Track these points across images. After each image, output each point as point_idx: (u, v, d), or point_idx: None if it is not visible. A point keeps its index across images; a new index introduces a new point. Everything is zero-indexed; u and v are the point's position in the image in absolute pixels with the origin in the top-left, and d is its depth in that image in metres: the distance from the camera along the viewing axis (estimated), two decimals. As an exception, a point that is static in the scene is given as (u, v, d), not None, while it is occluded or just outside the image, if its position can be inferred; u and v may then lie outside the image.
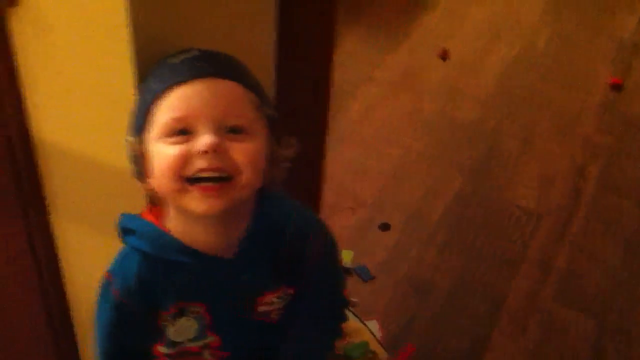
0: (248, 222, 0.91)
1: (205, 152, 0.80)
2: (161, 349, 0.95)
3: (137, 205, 1.01)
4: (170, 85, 0.82)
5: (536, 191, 2.23)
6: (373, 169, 2.27)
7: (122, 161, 0.99)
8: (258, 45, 1.17)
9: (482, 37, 2.98)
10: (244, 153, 0.82)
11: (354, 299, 1.77)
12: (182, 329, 0.94)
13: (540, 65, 2.83)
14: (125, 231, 0.91)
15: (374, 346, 1.61)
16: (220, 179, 0.82)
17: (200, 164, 0.81)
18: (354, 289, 1.85)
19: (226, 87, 0.83)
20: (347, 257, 1.95)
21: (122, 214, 0.93)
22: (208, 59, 0.86)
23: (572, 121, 2.55)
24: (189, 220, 0.87)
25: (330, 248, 1.02)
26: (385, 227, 2.06)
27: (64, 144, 1.05)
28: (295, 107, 1.33)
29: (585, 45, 2.96)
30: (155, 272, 0.89)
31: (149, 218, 0.91)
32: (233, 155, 0.82)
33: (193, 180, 0.81)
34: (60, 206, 1.14)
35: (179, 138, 0.81)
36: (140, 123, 0.85)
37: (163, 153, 0.82)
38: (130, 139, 0.86)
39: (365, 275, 1.91)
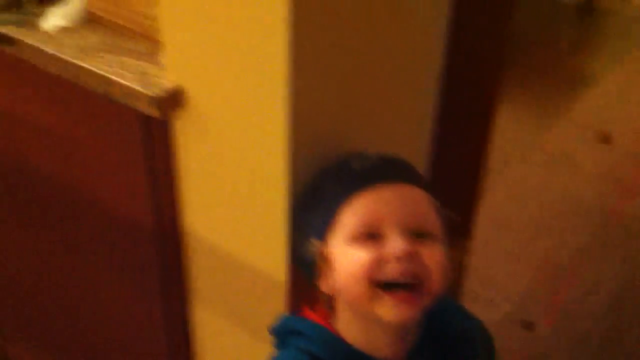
0: (418, 326, 0.89)
1: (400, 257, 0.79)
2: None
3: (276, 306, 1.00)
4: (358, 190, 0.83)
5: None
6: (520, 259, 2.13)
7: (265, 262, 0.99)
8: (416, 131, 1.14)
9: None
10: (434, 258, 0.82)
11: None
12: None
13: None
14: (290, 332, 0.89)
15: None
16: (412, 285, 0.80)
17: (394, 269, 0.80)
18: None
19: (411, 192, 0.85)
20: (485, 356, 1.81)
21: (284, 315, 0.92)
22: (390, 164, 0.88)
23: None
24: (367, 325, 0.85)
25: (492, 351, 1.02)
26: (528, 325, 1.91)
27: (211, 237, 1.04)
28: (445, 185, 1.28)
29: None
30: None
31: (316, 320, 0.89)
32: (423, 260, 0.81)
33: (385, 286, 0.80)
34: (200, 297, 1.14)
35: (368, 242, 0.81)
36: (323, 226, 0.84)
37: (353, 257, 0.81)
38: (315, 242, 0.85)
39: (504, 381, 1.76)
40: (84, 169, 1.09)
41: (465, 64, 1.27)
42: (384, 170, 0.85)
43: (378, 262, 0.80)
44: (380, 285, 0.80)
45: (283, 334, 0.90)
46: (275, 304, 1.00)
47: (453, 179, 1.42)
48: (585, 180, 2.47)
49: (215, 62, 0.86)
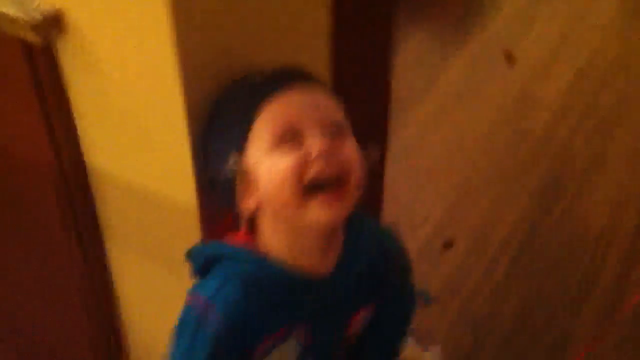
0: (341, 238, 0.90)
1: (322, 152, 0.79)
2: None
3: (190, 234, 0.98)
4: (269, 97, 0.82)
5: (608, 213, 2.09)
6: (437, 184, 2.18)
7: (172, 188, 0.97)
8: (313, 54, 1.12)
9: (551, 41, 2.84)
10: (351, 150, 0.83)
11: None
12: (283, 356, 0.92)
13: (611, 75, 2.69)
14: (216, 259, 0.88)
15: (436, 376, 1.53)
16: (337, 183, 0.81)
17: (319, 166, 0.80)
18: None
19: (317, 90, 0.85)
20: (407, 278, 1.86)
21: (208, 242, 0.92)
22: (290, 70, 0.87)
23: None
24: (295, 237, 0.85)
25: (408, 261, 1.06)
26: (448, 245, 1.97)
27: (115, 171, 1.02)
28: (352, 118, 1.28)
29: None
30: (261, 296, 0.86)
31: (241, 242, 0.88)
32: (343, 153, 0.82)
33: (313, 188, 0.80)
34: (115, 233, 1.12)
35: (289, 145, 0.80)
36: (238, 142, 0.83)
37: (277, 164, 0.80)
38: (235, 157, 0.83)
39: (425, 299, 1.81)
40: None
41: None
42: (287, 75, 0.85)
43: (303, 164, 0.79)
44: (308, 187, 0.80)
45: (207, 262, 0.88)
46: (189, 233, 0.98)
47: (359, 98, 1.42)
48: (493, 101, 2.53)
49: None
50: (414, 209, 2.07)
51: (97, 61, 0.89)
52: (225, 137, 0.85)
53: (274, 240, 0.86)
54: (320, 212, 0.81)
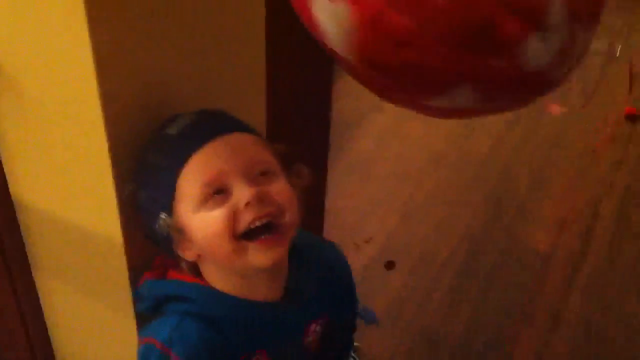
0: (286, 265, 0.91)
1: (250, 202, 0.80)
2: None
3: (117, 264, 0.98)
4: (188, 154, 0.81)
5: (549, 233, 2.15)
6: (381, 205, 2.20)
7: (98, 222, 0.96)
8: (249, 90, 1.13)
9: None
10: (281, 192, 0.83)
11: (356, 343, 1.70)
12: None
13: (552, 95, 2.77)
14: (169, 298, 0.89)
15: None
16: (271, 226, 0.82)
17: (249, 216, 0.80)
18: (357, 332, 1.77)
19: (239, 139, 0.84)
20: (350, 299, 1.87)
21: (156, 281, 0.91)
22: (208, 119, 0.86)
23: (586, 156, 2.48)
24: (242, 278, 0.87)
25: (350, 272, 1.05)
26: (390, 265, 1.99)
27: (42, 203, 1.02)
28: (291, 140, 1.29)
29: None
30: (217, 331, 0.87)
31: (190, 281, 0.88)
32: (273, 195, 0.82)
33: (247, 235, 0.81)
34: (43, 264, 1.11)
35: (216, 200, 0.81)
36: (167, 199, 0.83)
37: (208, 219, 0.81)
38: (164, 217, 0.83)
39: (369, 319, 1.83)
40: None
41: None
42: (205, 127, 0.84)
43: (233, 215, 0.80)
44: (242, 236, 0.81)
45: (158, 301, 0.89)
46: (116, 265, 0.98)
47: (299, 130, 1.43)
48: (438, 124, 2.57)
49: (22, 34, 0.83)
50: (358, 229, 2.10)
51: (23, 97, 0.89)
52: (152, 196, 0.85)
53: (221, 281, 0.88)
54: (259, 256, 0.82)
